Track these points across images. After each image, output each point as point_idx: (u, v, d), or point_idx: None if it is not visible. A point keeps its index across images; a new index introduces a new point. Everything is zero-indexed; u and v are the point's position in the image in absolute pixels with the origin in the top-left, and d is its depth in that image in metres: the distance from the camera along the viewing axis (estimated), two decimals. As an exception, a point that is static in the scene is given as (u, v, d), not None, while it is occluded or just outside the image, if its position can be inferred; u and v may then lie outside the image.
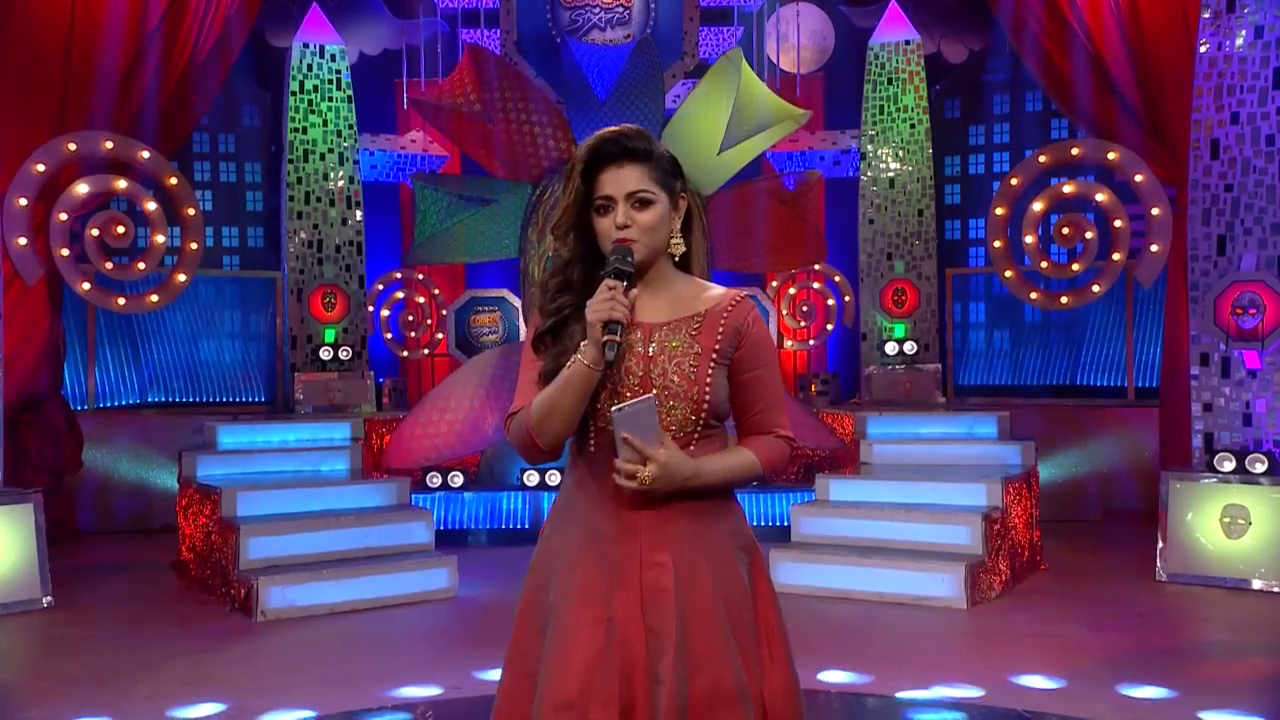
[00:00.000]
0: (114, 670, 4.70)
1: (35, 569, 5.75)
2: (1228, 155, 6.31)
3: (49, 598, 5.77)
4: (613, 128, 2.07)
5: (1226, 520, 6.02)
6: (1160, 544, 6.18)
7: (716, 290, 2.11)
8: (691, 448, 2.04)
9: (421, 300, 8.76)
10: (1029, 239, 7.15)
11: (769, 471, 2.11)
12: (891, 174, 8.69)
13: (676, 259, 2.11)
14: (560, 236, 2.11)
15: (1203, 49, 6.38)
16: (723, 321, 2.06)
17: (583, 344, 1.98)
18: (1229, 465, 6.08)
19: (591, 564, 2.04)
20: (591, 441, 2.07)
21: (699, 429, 2.05)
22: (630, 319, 1.99)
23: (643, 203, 2.03)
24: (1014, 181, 7.11)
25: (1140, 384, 8.56)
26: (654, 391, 2.01)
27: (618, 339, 1.95)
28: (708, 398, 2.03)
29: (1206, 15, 6.37)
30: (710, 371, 2.04)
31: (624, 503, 2.04)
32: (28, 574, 5.72)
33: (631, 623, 2.00)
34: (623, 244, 2.02)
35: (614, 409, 1.96)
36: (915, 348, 8.48)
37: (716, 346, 2.04)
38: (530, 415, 2.04)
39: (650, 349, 2.04)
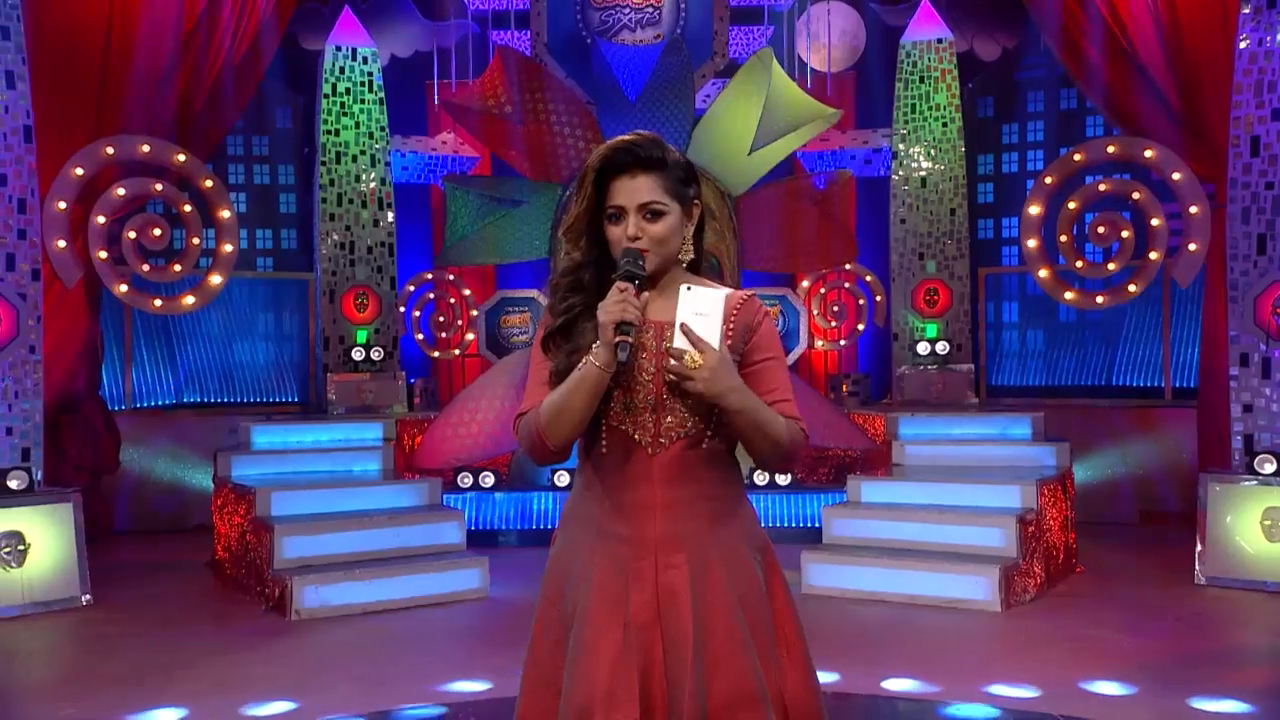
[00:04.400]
0: (151, 668, 4.76)
1: (75, 567, 5.83)
2: (1268, 152, 6.20)
3: (88, 595, 5.85)
4: (626, 136, 2.07)
5: (1268, 523, 5.92)
6: (1199, 547, 6.09)
7: (724, 290, 2.10)
8: (704, 445, 2.04)
9: (452, 301, 8.78)
10: (1064, 238, 7.07)
11: (790, 447, 2.03)
12: (923, 173, 8.63)
13: (685, 265, 2.12)
14: (573, 241, 2.11)
15: (1243, 44, 6.28)
16: (732, 319, 2.06)
17: (595, 346, 1.97)
18: (1270, 468, 5.98)
19: (607, 568, 2.04)
20: (603, 442, 2.06)
21: (712, 425, 2.04)
22: (642, 320, 1.99)
23: (654, 214, 2.04)
24: (1048, 180, 7.04)
25: (1178, 384, 8.44)
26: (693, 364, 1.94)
27: (630, 340, 1.95)
28: None
29: (1247, 10, 6.27)
30: None
31: (635, 504, 2.04)
32: (67, 572, 5.81)
33: (648, 626, 2.00)
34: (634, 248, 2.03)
35: (684, 286, 1.93)
36: (948, 348, 8.41)
37: (727, 343, 2.03)
38: (540, 416, 2.04)
39: (663, 345, 2.03)
